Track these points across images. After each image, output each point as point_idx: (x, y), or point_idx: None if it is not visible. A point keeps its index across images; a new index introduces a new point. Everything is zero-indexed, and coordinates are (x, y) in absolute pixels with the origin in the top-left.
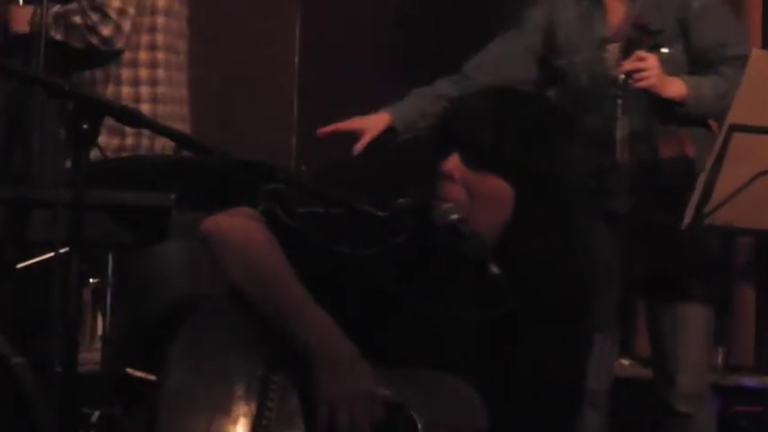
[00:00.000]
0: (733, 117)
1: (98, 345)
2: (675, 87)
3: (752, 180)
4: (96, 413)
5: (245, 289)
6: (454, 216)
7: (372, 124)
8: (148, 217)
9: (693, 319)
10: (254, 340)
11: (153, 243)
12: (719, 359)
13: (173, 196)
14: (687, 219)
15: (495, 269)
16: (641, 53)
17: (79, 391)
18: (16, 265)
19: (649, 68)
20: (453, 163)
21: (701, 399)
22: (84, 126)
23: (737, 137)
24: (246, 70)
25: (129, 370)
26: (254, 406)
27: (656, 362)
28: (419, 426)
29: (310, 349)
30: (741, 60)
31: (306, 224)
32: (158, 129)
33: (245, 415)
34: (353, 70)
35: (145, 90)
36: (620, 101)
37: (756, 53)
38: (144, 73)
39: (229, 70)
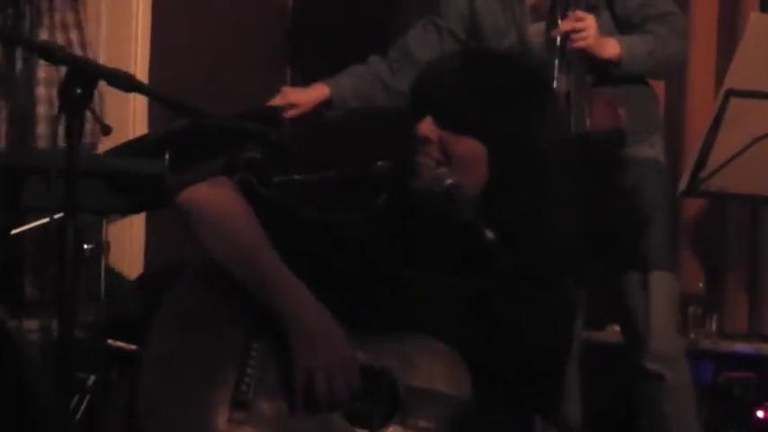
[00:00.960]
0: (730, 82)
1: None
2: (610, 47)
3: (748, 146)
4: (92, 378)
5: (221, 260)
6: (449, 181)
7: (306, 98)
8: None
9: (656, 282)
10: (234, 308)
11: (147, 210)
12: (713, 326)
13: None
14: (683, 184)
15: (489, 234)
16: (580, 13)
17: (75, 356)
18: (10, 231)
19: (587, 28)
20: (427, 125)
21: (672, 360)
22: (78, 91)
23: (735, 102)
24: None
25: (109, 340)
26: (234, 373)
27: (624, 326)
28: (400, 390)
29: (285, 319)
30: (667, 17)
31: (283, 193)
32: (150, 93)
33: (225, 382)
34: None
35: None
36: (557, 60)
37: (755, 16)
38: None
39: None
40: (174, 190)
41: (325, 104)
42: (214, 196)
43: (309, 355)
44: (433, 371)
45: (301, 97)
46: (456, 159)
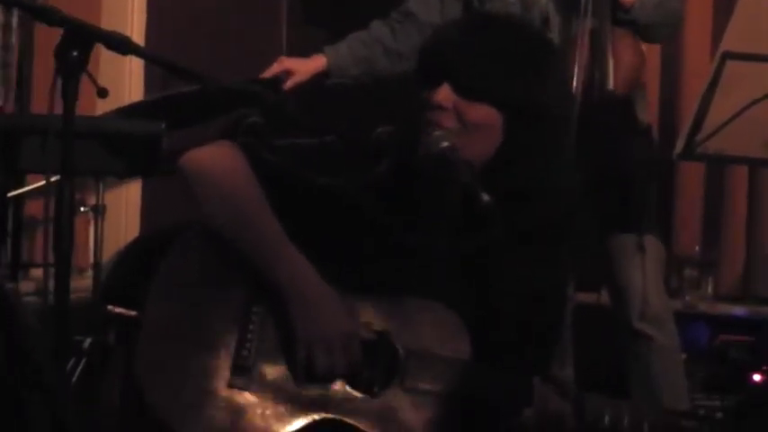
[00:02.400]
0: (727, 45)
1: (90, 273)
2: None
3: (745, 109)
4: (88, 340)
5: (220, 225)
6: (444, 143)
7: (304, 67)
8: (140, 145)
9: (647, 246)
10: (233, 271)
11: (144, 172)
12: (709, 289)
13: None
14: (679, 147)
15: (485, 197)
16: None
17: (71, 319)
18: (7, 193)
19: None
20: (444, 93)
21: (662, 322)
22: (75, 53)
23: (731, 65)
24: None
25: (109, 306)
26: (234, 337)
27: (614, 288)
28: (400, 353)
29: (284, 290)
30: None
31: (284, 157)
32: (146, 56)
33: (225, 346)
34: None
35: None
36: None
37: None
38: None
39: None
40: (176, 152)
41: (324, 75)
42: (216, 159)
43: (309, 329)
44: (433, 333)
45: (299, 66)
46: (471, 126)
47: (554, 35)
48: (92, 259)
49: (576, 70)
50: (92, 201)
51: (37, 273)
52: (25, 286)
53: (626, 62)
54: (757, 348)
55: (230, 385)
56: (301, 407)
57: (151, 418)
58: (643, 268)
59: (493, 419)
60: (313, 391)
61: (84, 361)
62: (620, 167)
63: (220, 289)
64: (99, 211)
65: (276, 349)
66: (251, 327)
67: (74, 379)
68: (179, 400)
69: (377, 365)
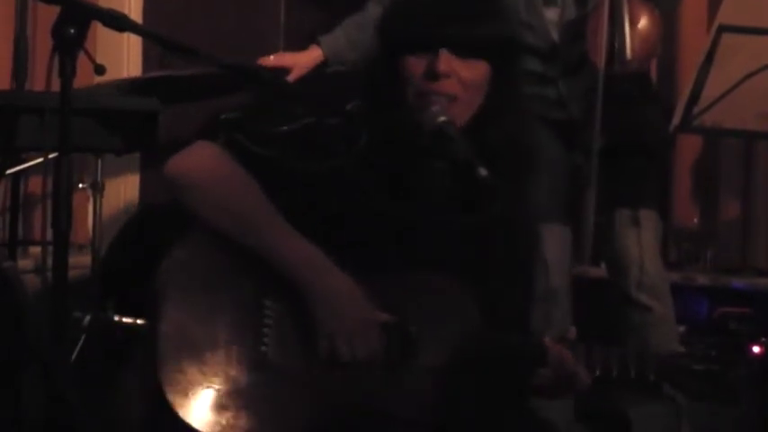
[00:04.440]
0: (722, 17)
1: (88, 249)
2: None
3: (741, 81)
4: (87, 317)
5: (224, 228)
6: (441, 118)
7: (302, 60)
8: (137, 121)
9: (645, 219)
10: (240, 269)
11: (141, 149)
12: (708, 261)
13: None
14: (676, 119)
15: (483, 171)
16: None
17: (70, 296)
18: (5, 171)
19: None
20: (445, 60)
21: (660, 293)
22: (72, 30)
23: (726, 37)
24: None
25: (116, 317)
26: (250, 333)
27: (613, 260)
28: (411, 332)
29: (301, 284)
30: None
31: (268, 147)
32: (144, 32)
33: (242, 344)
34: None
35: None
36: None
37: None
38: None
39: None
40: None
41: (323, 64)
42: (202, 162)
43: (330, 322)
44: (440, 307)
45: (297, 60)
46: (470, 85)
47: (569, 7)
48: (90, 236)
49: (597, 41)
50: (90, 178)
51: (36, 250)
52: (24, 264)
53: (643, 32)
54: (757, 320)
55: (251, 382)
56: (324, 397)
57: (171, 418)
58: (639, 240)
59: (508, 383)
60: (335, 381)
61: (83, 338)
62: (638, 139)
63: (229, 288)
64: (98, 188)
65: (294, 343)
66: (266, 321)
67: (72, 357)
68: (199, 401)
69: (391, 346)
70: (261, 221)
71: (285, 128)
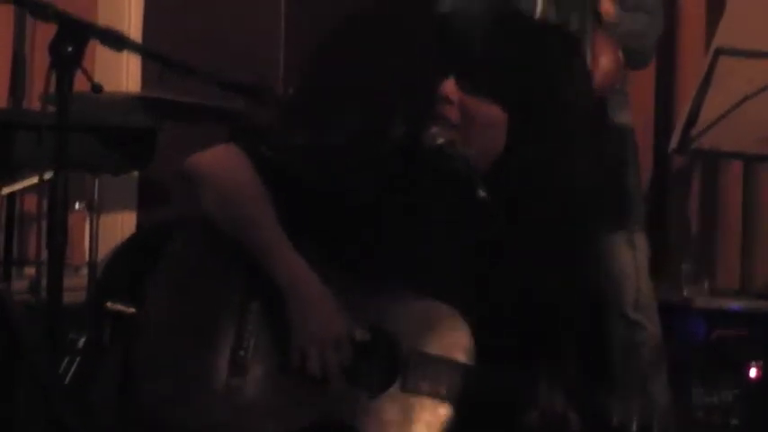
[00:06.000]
0: (719, 40)
1: (84, 271)
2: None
3: (739, 104)
4: (82, 339)
5: (222, 223)
6: (440, 140)
7: None
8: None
9: (638, 241)
10: (230, 267)
11: (139, 166)
12: (705, 283)
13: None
14: (674, 142)
15: (482, 192)
16: None
17: (66, 317)
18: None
19: None
20: (450, 86)
21: (652, 312)
22: (69, 48)
23: (724, 60)
24: None
25: (108, 303)
26: (232, 334)
27: (608, 281)
28: (403, 353)
29: (283, 290)
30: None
31: (289, 158)
32: (142, 51)
33: (223, 343)
34: None
35: None
36: None
37: None
38: None
39: None
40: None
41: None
42: (220, 161)
43: (304, 332)
44: (434, 331)
45: None
46: (474, 121)
47: None
48: (87, 257)
49: None
50: (87, 198)
51: (31, 271)
52: (18, 285)
53: (601, 66)
54: (754, 343)
55: (228, 384)
56: (299, 406)
57: (148, 416)
58: (635, 261)
59: (496, 420)
60: (310, 391)
61: (78, 360)
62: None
63: (218, 285)
64: (94, 208)
65: (272, 348)
66: (248, 325)
67: (68, 378)
68: (176, 397)
69: (379, 365)
70: (256, 224)
71: (307, 142)
